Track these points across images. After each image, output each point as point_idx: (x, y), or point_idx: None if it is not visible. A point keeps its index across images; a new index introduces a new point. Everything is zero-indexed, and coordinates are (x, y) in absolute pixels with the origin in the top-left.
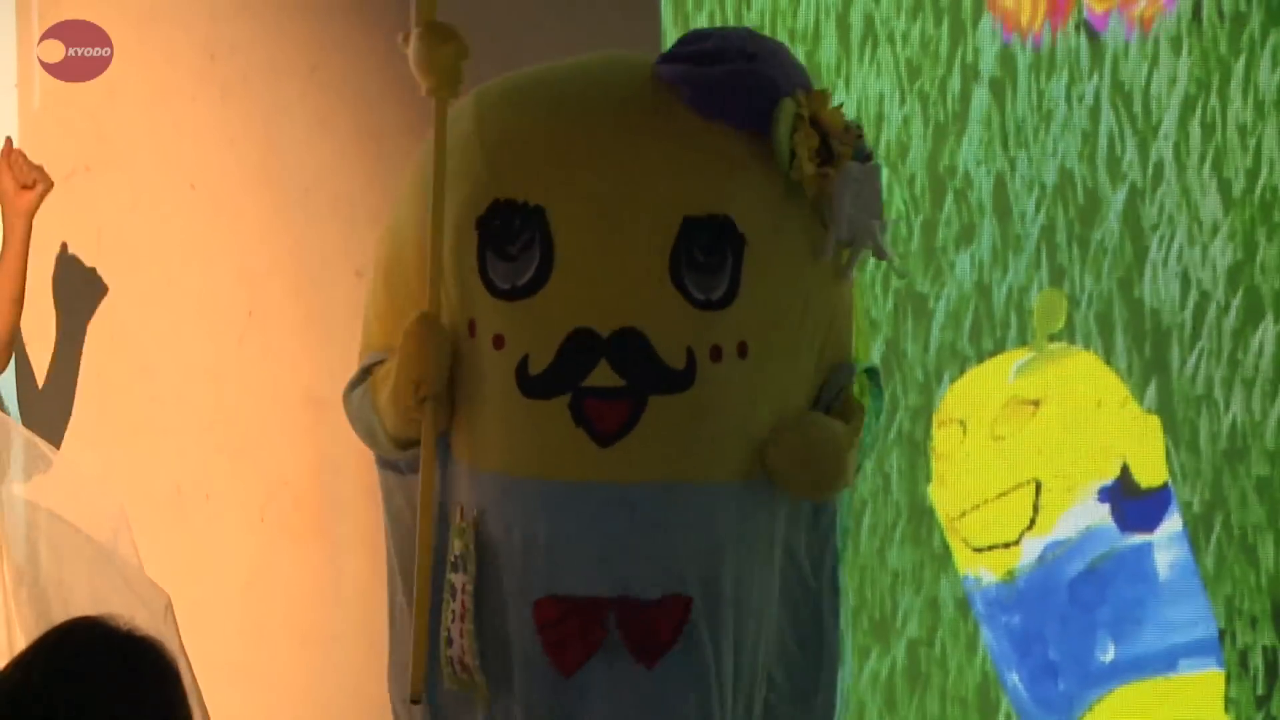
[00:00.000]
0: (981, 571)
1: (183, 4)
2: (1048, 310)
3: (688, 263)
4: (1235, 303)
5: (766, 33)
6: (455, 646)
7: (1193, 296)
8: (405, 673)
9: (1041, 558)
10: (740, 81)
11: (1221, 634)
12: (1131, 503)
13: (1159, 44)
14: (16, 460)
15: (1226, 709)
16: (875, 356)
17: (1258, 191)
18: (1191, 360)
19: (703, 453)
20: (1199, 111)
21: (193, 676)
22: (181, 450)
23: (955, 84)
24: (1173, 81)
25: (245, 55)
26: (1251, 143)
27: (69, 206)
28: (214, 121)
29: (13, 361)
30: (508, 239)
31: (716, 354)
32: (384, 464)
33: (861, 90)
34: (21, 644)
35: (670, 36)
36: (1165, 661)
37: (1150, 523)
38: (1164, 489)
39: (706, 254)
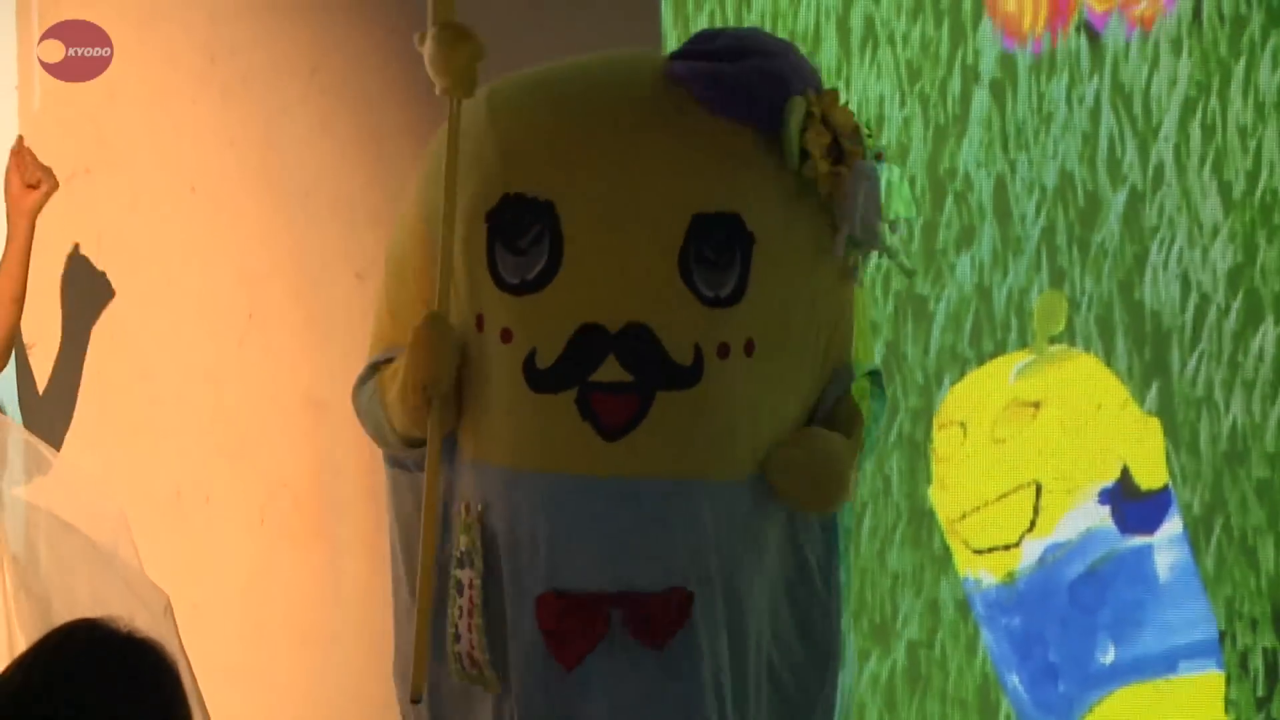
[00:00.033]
0: (982, 573)
1: (182, 5)
2: (1048, 312)
3: (697, 259)
4: (1235, 305)
5: None
6: (464, 642)
7: (1193, 299)
8: (410, 675)
9: (1042, 560)
10: (752, 79)
11: (1221, 636)
12: (1132, 505)
13: (1159, 46)
14: (16, 462)
15: (1226, 710)
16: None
17: (1258, 194)
18: (1192, 362)
19: (708, 449)
20: (1199, 113)
21: (193, 678)
22: (182, 452)
23: (955, 86)
24: (1173, 83)
25: (245, 57)
26: (1252, 145)
27: (69, 208)
28: (214, 123)
29: (13, 363)
30: (517, 233)
31: (724, 351)
32: (392, 461)
33: (862, 92)
34: (22, 646)
35: (670, 37)
36: (1165, 663)
37: (1150, 525)
38: (1164, 491)
39: (716, 251)
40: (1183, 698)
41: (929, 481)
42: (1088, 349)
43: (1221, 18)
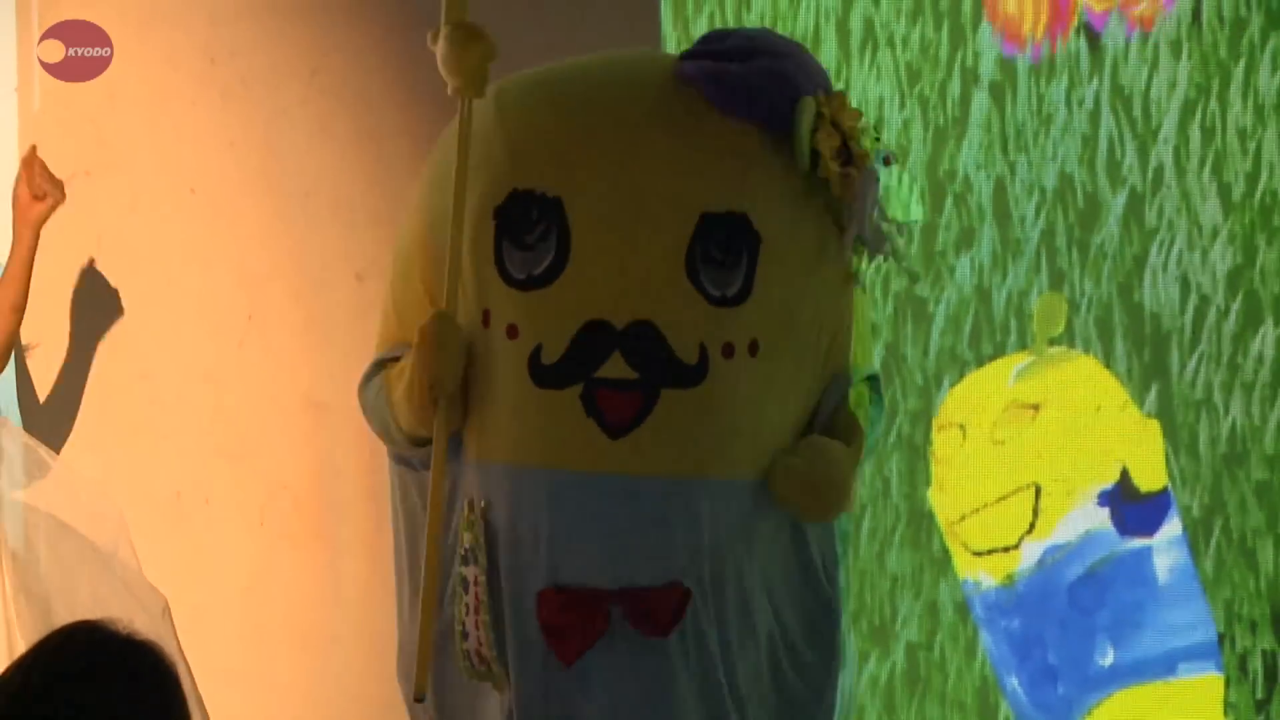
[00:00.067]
0: (981, 575)
1: (182, 7)
2: (1047, 314)
3: (704, 258)
4: (1235, 307)
5: None
6: (471, 639)
7: (1192, 301)
8: (414, 673)
9: (1041, 562)
10: (763, 80)
11: (1221, 638)
12: (1131, 507)
13: (1159, 48)
14: (16, 464)
15: (1226, 713)
16: (875, 361)
17: (1257, 196)
18: (1191, 364)
19: (712, 449)
20: (1199, 115)
21: (191, 679)
22: (181, 454)
23: (955, 88)
24: (1172, 85)
25: (245, 59)
26: (1251, 147)
27: (69, 210)
28: (214, 125)
29: (13, 365)
30: (525, 228)
31: (729, 351)
32: (398, 459)
33: (861, 94)
34: (22, 648)
35: (670, 38)
36: (1164, 665)
37: (1150, 527)
38: (1163, 493)
39: (722, 251)
40: (1182, 700)
41: (928, 483)
42: (1087, 351)
43: (1221, 20)
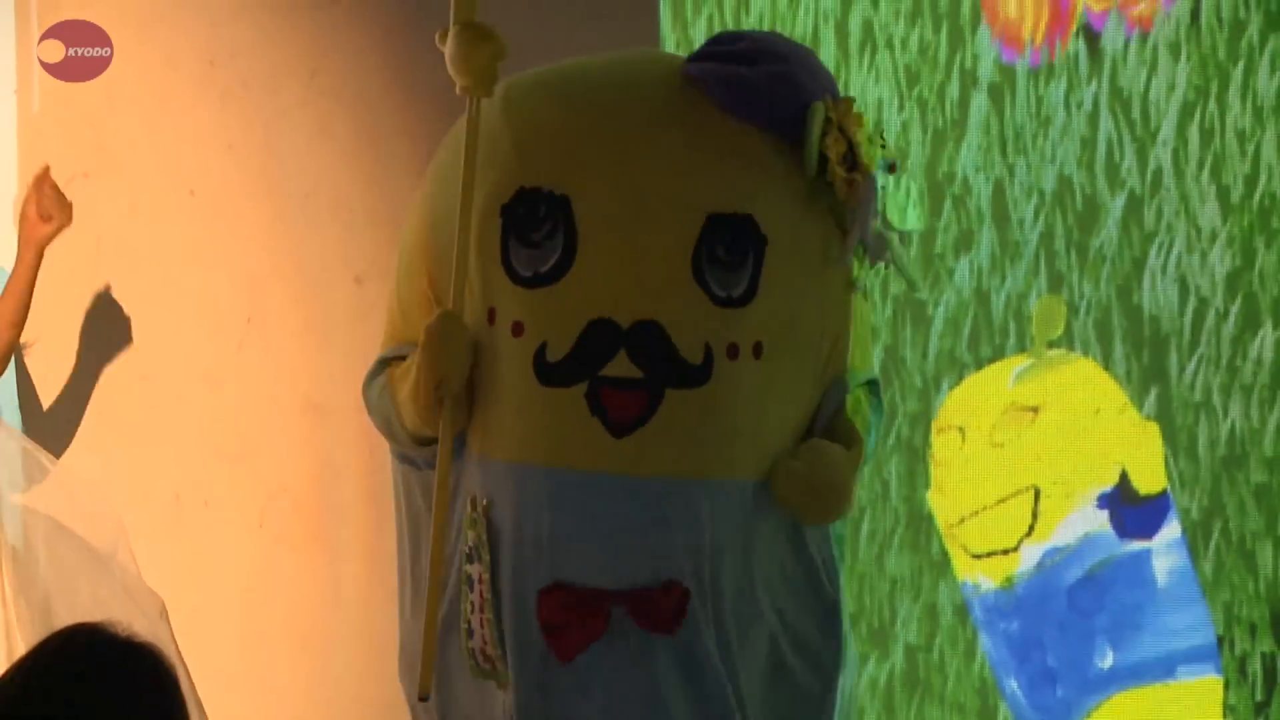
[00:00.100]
0: (980, 578)
1: (182, 9)
2: (1047, 317)
3: (710, 259)
4: (1234, 309)
5: None
6: (477, 638)
7: (1191, 303)
8: (416, 671)
9: (1040, 564)
10: (774, 84)
11: (1220, 641)
12: (1130, 509)
13: (1158, 50)
14: (15, 468)
15: (1225, 715)
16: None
17: (1256, 198)
18: (1190, 367)
19: (715, 449)
20: (1198, 118)
21: (190, 681)
22: (181, 456)
23: (954, 90)
24: (1171, 88)
25: (245, 61)
26: (1250, 149)
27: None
28: (213, 127)
29: (13, 368)
30: (532, 226)
31: (733, 352)
32: (402, 458)
33: (860, 96)
34: (22, 650)
35: (669, 40)
36: (1164, 668)
37: (1149, 529)
38: (1163, 496)
39: (728, 251)
40: (1181, 702)
41: (927, 486)
42: (1086, 353)
43: (1220, 21)
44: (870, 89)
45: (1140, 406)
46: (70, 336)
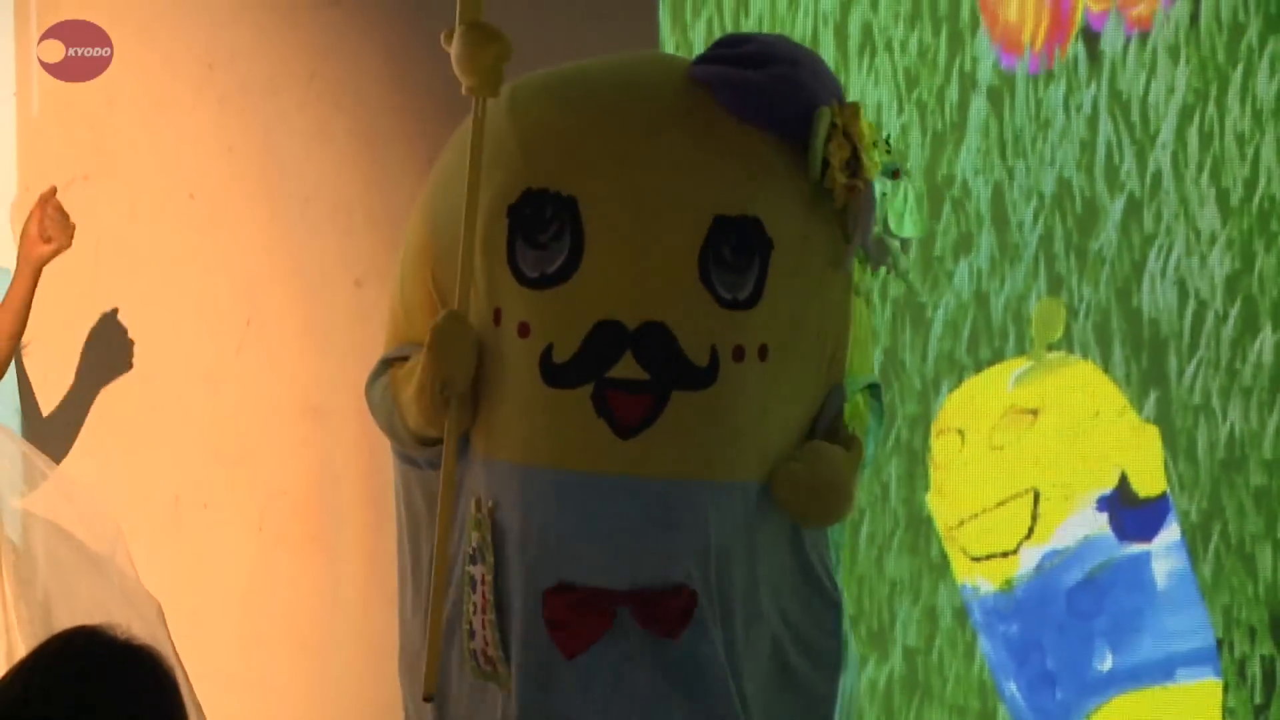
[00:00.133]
0: (979, 580)
1: (181, 12)
2: (1046, 319)
3: (716, 261)
4: (1233, 312)
5: None
6: (478, 639)
7: (1191, 306)
8: (417, 671)
9: (1039, 567)
10: (781, 88)
11: (1219, 643)
12: (1130, 512)
13: (1157, 53)
14: (16, 472)
15: (1224, 718)
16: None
17: (1255, 201)
18: (1189, 370)
19: (720, 451)
20: (1197, 120)
21: (188, 684)
22: (180, 459)
23: (953, 93)
24: (1171, 90)
25: (244, 64)
26: (1249, 152)
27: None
28: (212, 130)
29: (13, 372)
30: (538, 227)
31: (739, 354)
32: (403, 458)
33: (859, 98)
34: (22, 653)
35: (668, 42)
36: (1163, 671)
37: (1148, 532)
38: (1162, 498)
39: (735, 254)
40: (1180, 705)
41: (927, 488)
42: (1086, 356)
43: (1219, 24)
44: (869, 92)
45: (1140, 409)
46: (69, 339)
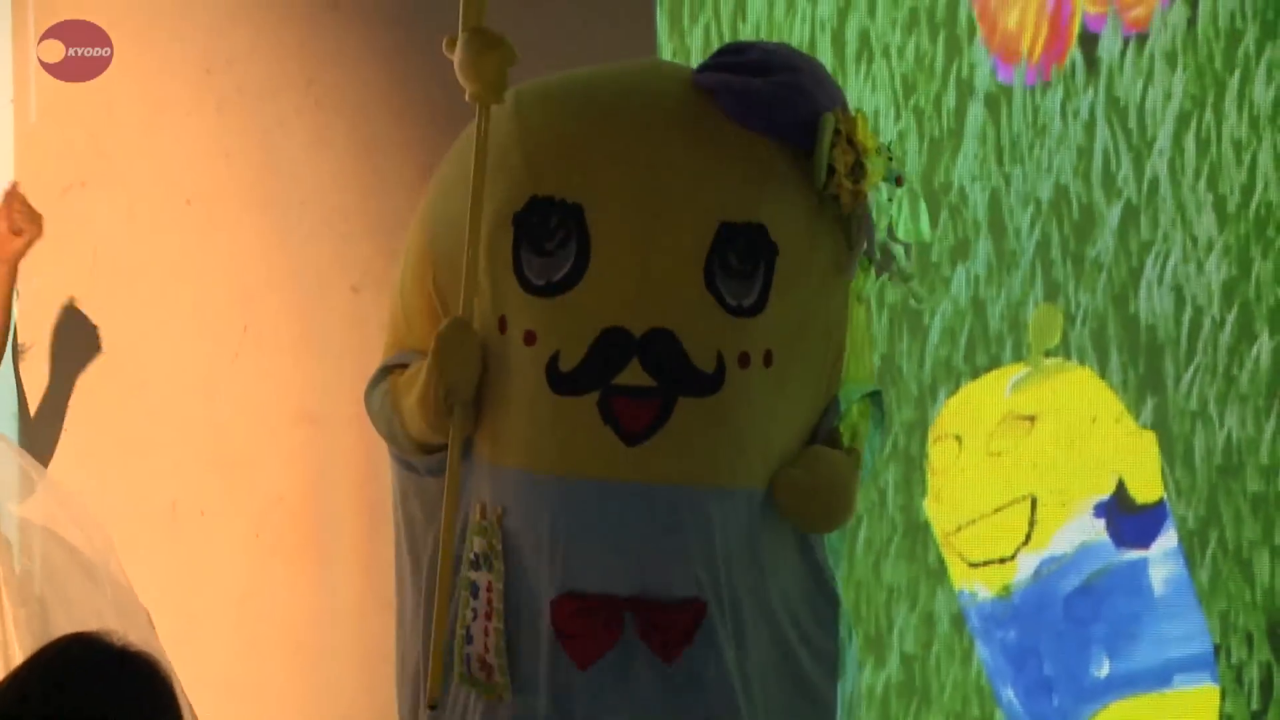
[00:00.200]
0: (977, 586)
1: (179, 17)
2: (1044, 326)
3: (722, 268)
4: (1230, 319)
5: None
6: (476, 644)
7: (1188, 312)
8: (416, 680)
9: (1037, 573)
10: (784, 94)
11: (1216, 649)
12: (1127, 518)
13: (1154, 59)
14: (13, 479)
15: None
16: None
17: (1252, 207)
18: (1186, 376)
19: (726, 457)
20: (1194, 127)
21: (182, 692)
22: (177, 465)
23: (950, 99)
24: (1168, 97)
25: (241, 69)
26: (1246, 158)
27: (64, 222)
28: (210, 136)
29: (10, 376)
30: (544, 235)
31: (745, 360)
32: (402, 464)
33: (856, 105)
34: (19, 660)
35: (665, 48)
36: (1160, 677)
37: (1146, 538)
38: (1159, 505)
39: (740, 260)
40: (1177, 711)
41: (924, 494)
42: (1083, 362)
43: (1216, 31)
44: (867, 98)
45: (1137, 415)
46: (66, 346)
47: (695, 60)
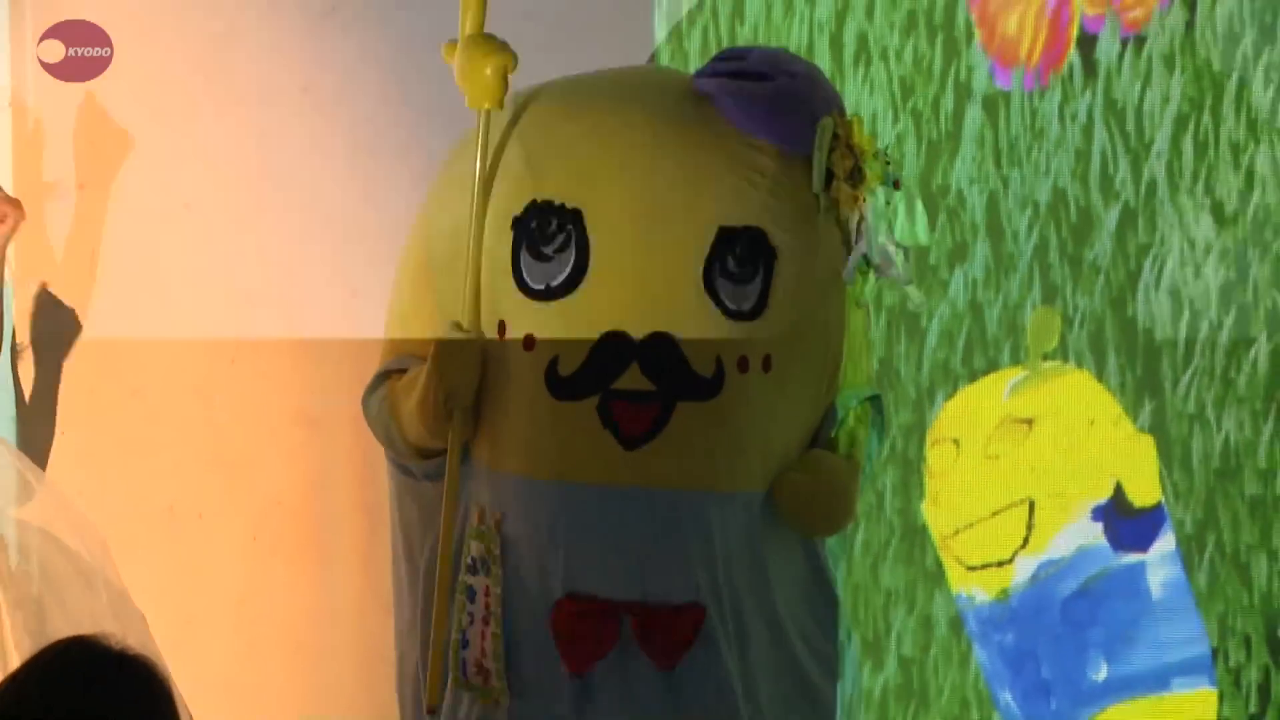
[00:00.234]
0: (974, 590)
1: (175, 23)
2: (1041, 329)
3: (721, 272)
4: (1228, 322)
5: None
6: (473, 648)
7: (1185, 316)
8: (415, 684)
9: (1035, 576)
10: (783, 100)
11: (1214, 653)
12: (1125, 522)
13: (1152, 62)
14: (10, 482)
15: None
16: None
17: (1250, 211)
18: (1184, 379)
19: (725, 461)
20: (1192, 130)
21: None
22: (174, 469)
23: (948, 102)
24: (1166, 100)
25: (240, 73)
26: (1244, 161)
27: (62, 226)
28: (208, 139)
29: (8, 383)
30: (544, 239)
31: (743, 365)
32: (399, 469)
33: (854, 108)
34: (16, 663)
35: (663, 53)
36: (1158, 680)
37: (1143, 542)
38: (1157, 508)
39: (739, 264)
40: (1175, 715)
41: (922, 497)
42: (1080, 365)
43: (1214, 34)
44: (865, 101)
45: (1135, 419)
46: (64, 349)
47: (693, 65)
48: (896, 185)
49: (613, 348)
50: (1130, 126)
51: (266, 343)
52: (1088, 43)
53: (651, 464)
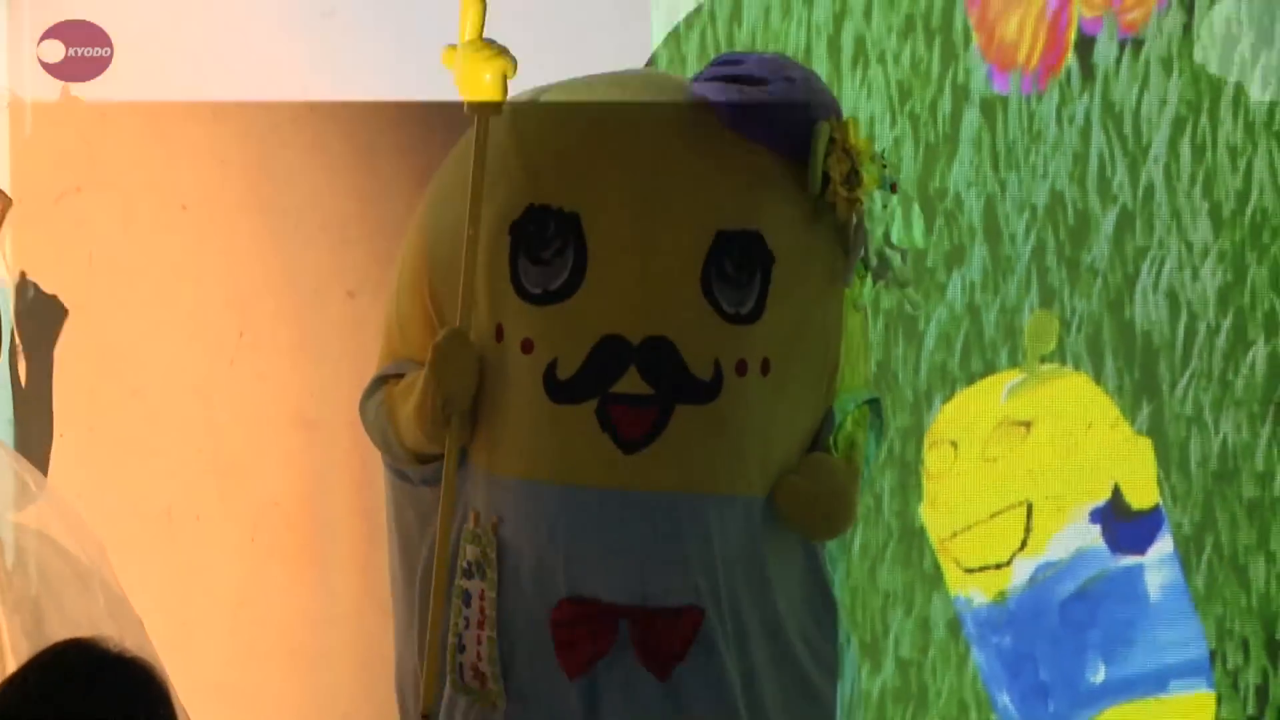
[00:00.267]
0: (973, 592)
1: (175, 24)
2: (1039, 332)
3: (719, 275)
4: (1225, 325)
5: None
6: (469, 653)
7: (1183, 318)
8: (414, 688)
9: (1033, 579)
10: (780, 104)
11: (1212, 655)
12: (1123, 524)
13: (1150, 64)
14: (8, 484)
15: None
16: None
17: (1248, 213)
18: (1182, 382)
19: (724, 465)
20: (1189, 133)
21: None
22: (172, 471)
23: (946, 105)
24: (1163, 103)
25: (239, 74)
26: (1242, 164)
27: (60, 228)
28: (206, 141)
29: (6, 384)
30: (541, 243)
31: (742, 368)
32: (395, 473)
33: (852, 111)
34: (14, 665)
35: (661, 57)
36: (1156, 682)
37: (1141, 544)
38: (1155, 510)
39: (737, 268)
40: (1173, 717)
41: (920, 500)
42: (1078, 368)
43: (1212, 36)
44: (862, 104)
45: (1132, 421)
46: (62, 350)
47: (691, 69)
48: (894, 188)
49: (611, 351)
50: (1128, 129)
51: (266, 344)
52: (1085, 45)
53: (650, 467)
